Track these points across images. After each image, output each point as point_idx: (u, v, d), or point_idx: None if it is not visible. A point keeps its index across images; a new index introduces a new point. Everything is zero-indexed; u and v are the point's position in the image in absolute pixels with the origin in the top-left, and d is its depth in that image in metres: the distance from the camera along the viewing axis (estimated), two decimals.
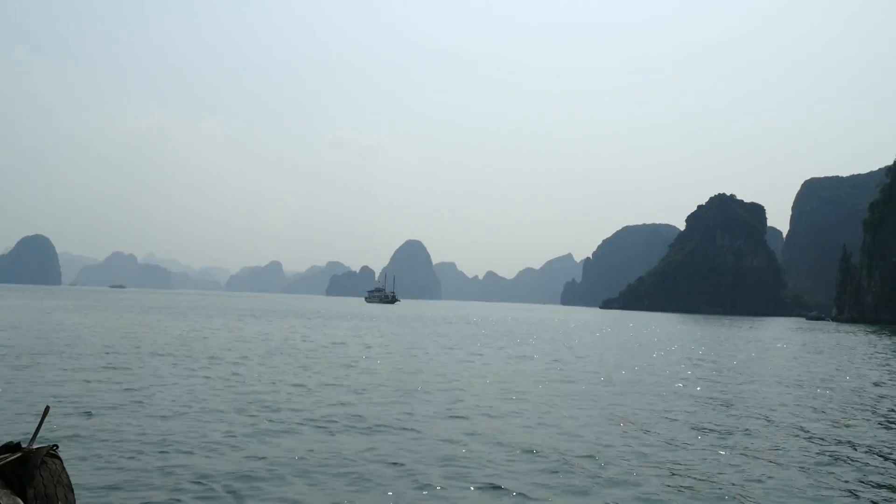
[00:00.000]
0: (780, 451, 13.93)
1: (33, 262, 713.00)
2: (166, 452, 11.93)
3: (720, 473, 11.95)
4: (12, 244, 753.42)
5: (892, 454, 14.10)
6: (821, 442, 15.12)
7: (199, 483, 10.27)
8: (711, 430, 16.02)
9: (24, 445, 3.35)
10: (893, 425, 17.87)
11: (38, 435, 3.58)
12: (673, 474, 11.77)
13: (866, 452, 14.21)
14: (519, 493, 10.32)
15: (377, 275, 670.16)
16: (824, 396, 23.24)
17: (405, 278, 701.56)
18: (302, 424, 14.95)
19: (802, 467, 12.63)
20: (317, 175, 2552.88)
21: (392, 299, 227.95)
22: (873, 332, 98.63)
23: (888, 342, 68.73)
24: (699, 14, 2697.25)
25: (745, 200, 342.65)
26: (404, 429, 14.88)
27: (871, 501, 10.67)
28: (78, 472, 10.13)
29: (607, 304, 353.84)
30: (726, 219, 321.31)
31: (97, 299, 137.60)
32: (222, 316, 74.81)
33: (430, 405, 18.23)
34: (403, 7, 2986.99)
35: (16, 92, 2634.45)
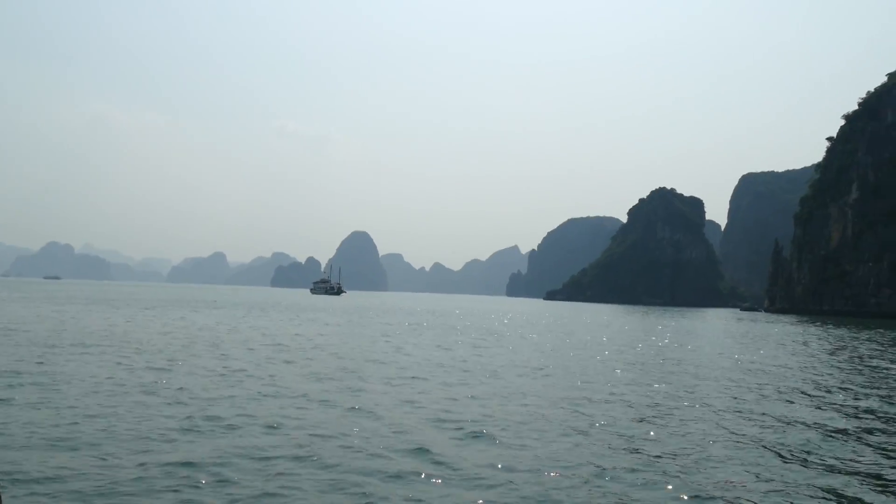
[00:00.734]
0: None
1: None
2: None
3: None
4: None
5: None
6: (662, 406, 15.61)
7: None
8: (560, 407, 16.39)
9: None
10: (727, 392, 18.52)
11: None
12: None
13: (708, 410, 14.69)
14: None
15: (323, 266, 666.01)
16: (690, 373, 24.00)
17: (352, 270, 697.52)
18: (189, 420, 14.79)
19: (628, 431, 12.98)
20: (263, 165, 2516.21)
21: (338, 291, 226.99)
22: (794, 323, 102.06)
23: (791, 329, 71.38)
24: (644, 17, 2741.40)
25: (685, 194, 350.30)
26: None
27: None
28: None
29: (551, 296, 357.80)
30: (666, 212, 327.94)
31: (27, 291, 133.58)
32: (129, 307, 73.29)
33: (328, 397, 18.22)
34: None
35: None
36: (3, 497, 4.23)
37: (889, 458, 13.51)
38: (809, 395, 21.78)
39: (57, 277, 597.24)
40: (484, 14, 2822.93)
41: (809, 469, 12.38)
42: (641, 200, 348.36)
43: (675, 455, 13.01)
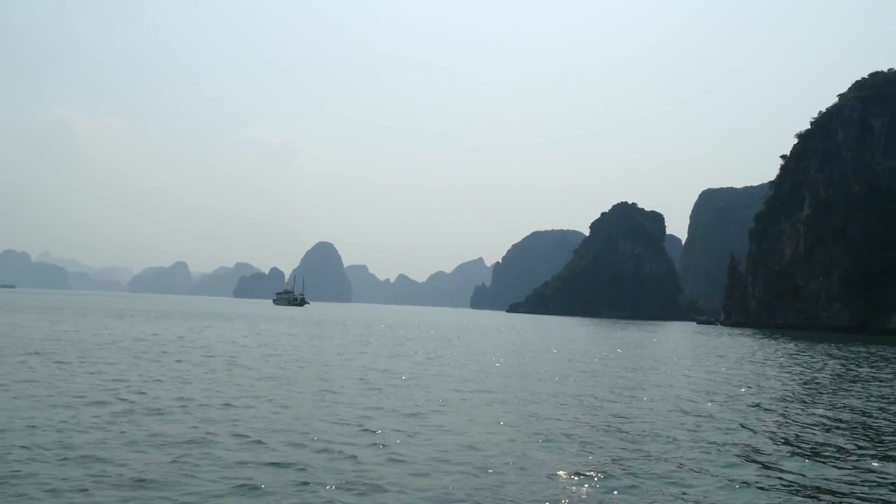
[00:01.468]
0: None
1: None
2: None
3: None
4: None
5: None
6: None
7: None
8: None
9: None
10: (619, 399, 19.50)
11: None
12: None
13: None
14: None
15: (287, 277, 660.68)
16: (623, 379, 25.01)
17: (316, 281, 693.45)
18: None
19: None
20: (227, 173, 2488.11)
21: (301, 301, 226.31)
22: (741, 335, 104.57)
23: (729, 340, 73.38)
24: (610, 39, 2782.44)
25: (647, 209, 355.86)
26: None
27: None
28: None
29: (513, 308, 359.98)
30: (628, 226, 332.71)
31: None
32: (91, 316, 72.72)
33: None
34: (322, 5, 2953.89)
35: None
36: None
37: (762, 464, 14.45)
38: (689, 400, 22.87)
39: (12, 286, 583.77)
40: (454, 26, 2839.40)
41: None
42: (603, 214, 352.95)
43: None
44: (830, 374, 36.06)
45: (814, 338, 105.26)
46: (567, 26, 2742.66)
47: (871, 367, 42.41)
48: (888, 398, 25.58)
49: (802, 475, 12.97)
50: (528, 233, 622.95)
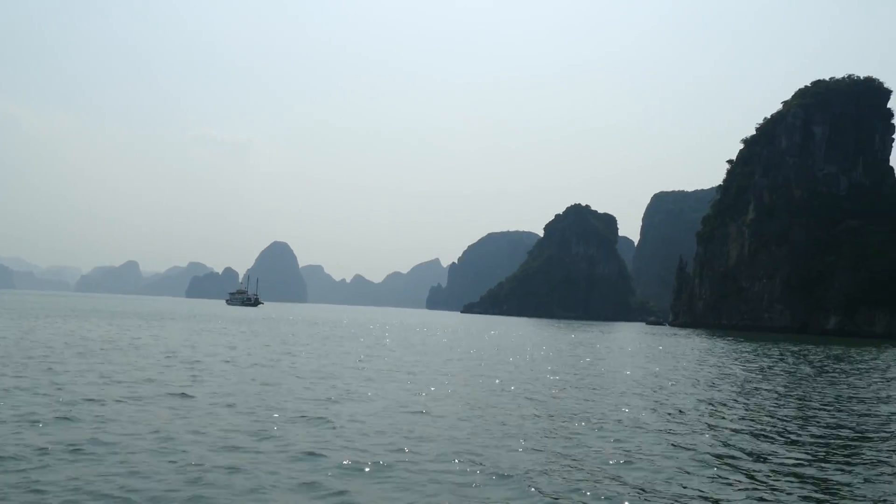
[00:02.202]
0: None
1: None
2: None
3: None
4: None
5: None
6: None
7: None
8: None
9: None
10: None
11: None
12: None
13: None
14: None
15: (241, 277, 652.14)
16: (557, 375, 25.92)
17: (270, 280, 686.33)
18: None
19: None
20: (180, 171, 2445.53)
21: (255, 302, 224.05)
22: (686, 336, 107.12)
23: (669, 339, 75.41)
24: (561, 43, 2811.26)
25: (600, 211, 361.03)
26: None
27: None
28: None
29: (468, 309, 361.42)
30: (581, 228, 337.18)
31: None
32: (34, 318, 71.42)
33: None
34: (286, 3, 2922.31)
35: None
36: None
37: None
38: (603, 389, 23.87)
39: None
40: (414, 29, 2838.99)
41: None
42: (557, 216, 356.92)
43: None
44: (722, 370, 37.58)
45: (750, 337, 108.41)
46: (522, 35, 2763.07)
47: (771, 361, 44.24)
48: (789, 393, 26.90)
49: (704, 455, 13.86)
50: (484, 234, 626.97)
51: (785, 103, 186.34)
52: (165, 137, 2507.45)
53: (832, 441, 17.09)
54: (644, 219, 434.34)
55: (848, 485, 12.77)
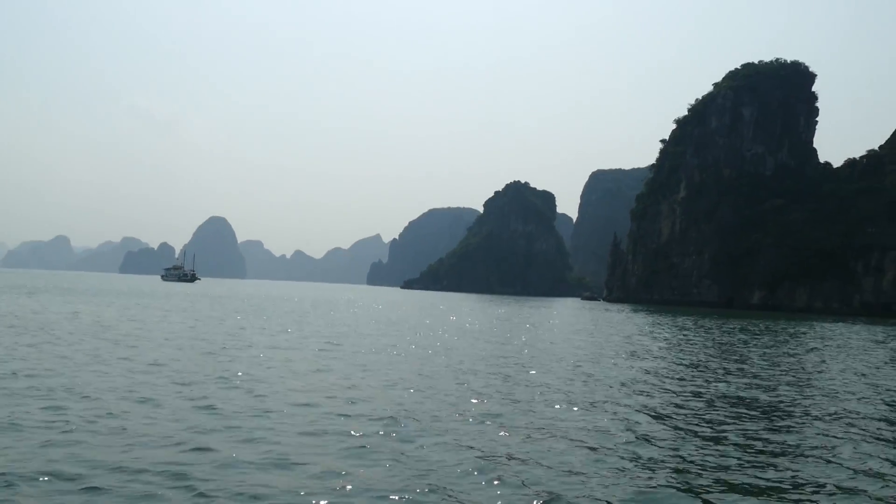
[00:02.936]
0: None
1: None
2: None
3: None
4: None
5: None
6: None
7: None
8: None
9: None
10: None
11: None
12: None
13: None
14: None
15: (178, 252, 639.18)
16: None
17: (208, 256, 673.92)
18: None
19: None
20: (112, 143, 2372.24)
21: (191, 278, 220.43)
22: (617, 310, 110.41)
23: (594, 314, 78.11)
24: (510, 32, 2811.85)
25: (539, 188, 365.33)
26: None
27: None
28: None
29: (408, 285, 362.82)
30: (520, 205, 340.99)
31: None
32: None
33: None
34: None
35: None
36: None
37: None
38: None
39: None
40: (361, 17, 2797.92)
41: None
42: (497, 193, 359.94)
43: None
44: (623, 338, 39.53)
45: (674, 311, 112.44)
46: (468, 22, 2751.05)
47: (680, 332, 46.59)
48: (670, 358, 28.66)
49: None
50: (425, 210, 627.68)
51: (716, 85, 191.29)
52: (94, 108, 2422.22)
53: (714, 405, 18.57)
54: (582, 196, 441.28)
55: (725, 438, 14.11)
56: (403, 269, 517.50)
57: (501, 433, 13.33)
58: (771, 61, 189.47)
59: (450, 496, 9.50)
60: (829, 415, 16.87)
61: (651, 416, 15.84)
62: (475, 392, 18.25)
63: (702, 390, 20.39)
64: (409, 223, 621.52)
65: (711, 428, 14.73)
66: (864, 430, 15.07)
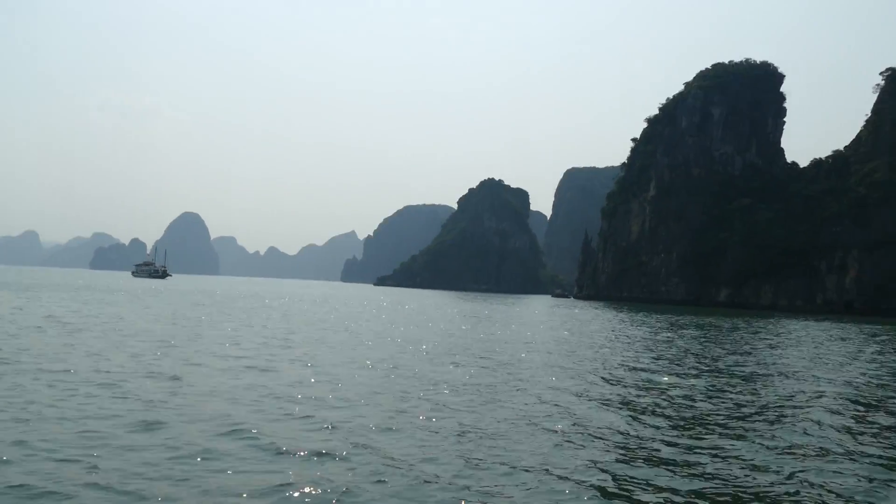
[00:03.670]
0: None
1: None
2: None
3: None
4: None
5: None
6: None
7: None
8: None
9: None
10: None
11: None
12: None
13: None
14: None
15: (149, 248, 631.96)
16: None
17: (180, 252, 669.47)
18: None
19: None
20: (84, 139, 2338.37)
21: (162, 274, 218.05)
22: (586, 307, 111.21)
23: (550, 311, 78.74)
24: (477, 23, 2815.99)
25: (513, 186, 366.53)
26: None
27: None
28: None
29: (381, 282, 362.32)
30: (494, 203, 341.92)
31: None
32: None
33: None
34: None
35: None
36: None
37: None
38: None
39: None
40: (338, 12, 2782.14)
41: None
42: (471, 190, 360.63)
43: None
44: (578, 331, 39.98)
45: (642, 308, 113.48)
46: (433, 15, 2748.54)
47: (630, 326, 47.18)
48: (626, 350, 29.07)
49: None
50: (400, 206, 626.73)
51: (686, 84, 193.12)
52: (65, 102, 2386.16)
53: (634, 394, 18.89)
54: (556, 194, 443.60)
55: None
56: (378, 266, 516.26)
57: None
58: (741, 62, 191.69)
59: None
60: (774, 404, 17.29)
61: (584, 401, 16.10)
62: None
63: (626, 386, 20.71)
64: (385, 220, 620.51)
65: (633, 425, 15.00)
66: (817, 418, 15.86)
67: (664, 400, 18.11)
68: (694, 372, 24.68)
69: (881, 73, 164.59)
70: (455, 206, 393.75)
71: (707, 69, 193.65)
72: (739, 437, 13.74)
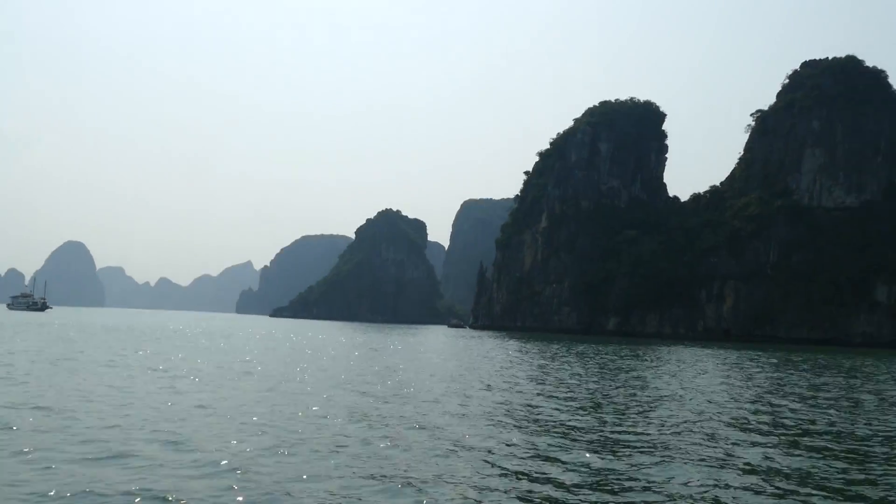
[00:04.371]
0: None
1: None
2: None
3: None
4: None
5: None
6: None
7: None
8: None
9: None
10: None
11: None
12: None
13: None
14: None
15: (27, 279, 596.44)
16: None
17: (62, 283, 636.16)
18: None
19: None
20: None
21: (42, 306, 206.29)
22: (477, 337, 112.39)
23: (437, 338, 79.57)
24: (382, 56, 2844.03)
25: (411, 216, 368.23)
26: None
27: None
28: None
29: (277, 313, 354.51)
30: (391, 233, 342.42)
31: None
32: None
33: None
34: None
35: None
36: None
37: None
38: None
39: None
40: (212, 33, 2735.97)
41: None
42: (369, 220, 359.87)
43: None
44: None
45: (534, 337, 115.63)
46: (344, 52, 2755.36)
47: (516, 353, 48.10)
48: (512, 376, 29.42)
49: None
50: (298, 237, 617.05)
51: (576, 120, 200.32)
52: None
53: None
54: (454, 225, 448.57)
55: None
56: (275, 297, 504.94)
57: None
58: (626, 100, 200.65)
59: None
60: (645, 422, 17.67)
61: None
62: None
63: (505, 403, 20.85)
64: (282, 250, 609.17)
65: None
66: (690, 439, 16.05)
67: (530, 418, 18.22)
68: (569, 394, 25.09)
69: (752, 115, 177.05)
70: (353, 237, 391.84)
71: (595, 106, 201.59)
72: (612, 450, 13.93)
